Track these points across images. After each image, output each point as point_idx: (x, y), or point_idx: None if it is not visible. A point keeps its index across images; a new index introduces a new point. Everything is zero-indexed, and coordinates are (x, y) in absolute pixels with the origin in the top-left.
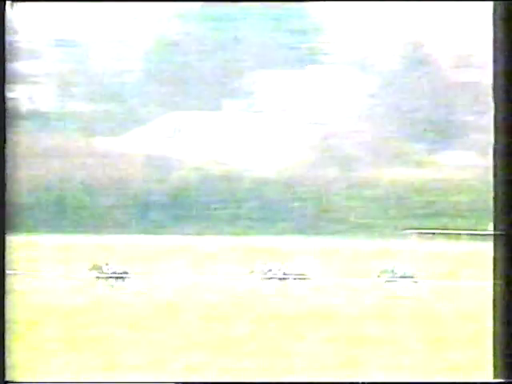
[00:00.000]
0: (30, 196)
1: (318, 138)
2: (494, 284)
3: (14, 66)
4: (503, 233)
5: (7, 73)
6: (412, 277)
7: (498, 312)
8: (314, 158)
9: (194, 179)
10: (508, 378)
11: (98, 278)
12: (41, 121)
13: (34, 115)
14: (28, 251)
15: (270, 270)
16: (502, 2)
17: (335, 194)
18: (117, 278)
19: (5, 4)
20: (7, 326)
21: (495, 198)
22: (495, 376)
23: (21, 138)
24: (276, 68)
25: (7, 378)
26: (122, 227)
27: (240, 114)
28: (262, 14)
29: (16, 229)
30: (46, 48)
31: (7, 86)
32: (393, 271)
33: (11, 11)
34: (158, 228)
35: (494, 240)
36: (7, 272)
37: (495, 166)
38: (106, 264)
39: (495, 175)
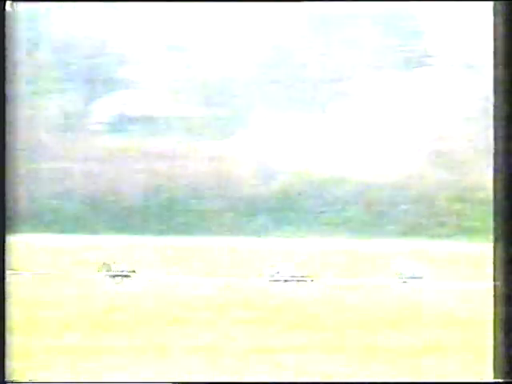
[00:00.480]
0: (139, 199)
1: (426, 141)
2: (494, 284)
3: (123, 72)
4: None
5: (7, 73)
6: None
7: (498, 312)
8: (423, 161)
9: (299, 182)
10: (508, 378)
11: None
12: (150, 125)
13: (143, 119)
14: (144, 253)
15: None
16: (501, 2)
17: (443, 197)
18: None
19: (5, 4)
20: (7, 325)
21: (495, 198)
22: (495, 376)
23: (130, 142)
24: (384, 70)
25: (7, 378)
26: (228, 230)
27: (346, 116)
28: (371, 15)
29: (128, 231)
30: (157, 53)
31: (7, 86)
32: None
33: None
34: (264, 231)
35: (495, 240)
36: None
37: (495, 166)
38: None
39: (495, 174)
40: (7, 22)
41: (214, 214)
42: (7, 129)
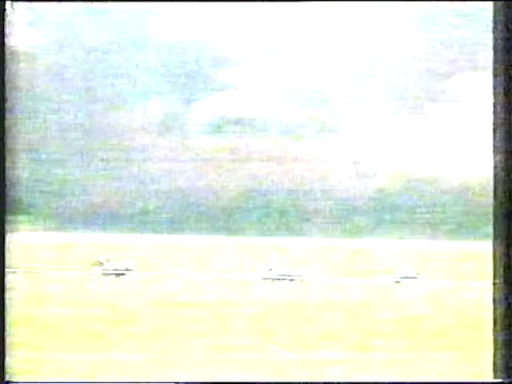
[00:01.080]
0: (235, 200)
1: None
2: (494, 284)
3: (223, 73)
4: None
5: (7, 73)
6: None
7: (498, 311)
8: None
9: (398, 183)
10: (508, 377)
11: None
12: (249, 127)
13: (243, 121)
14: (249, 254)
15: None
16: (501, 2)
17: None
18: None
19: (4, 4)
20: (7, 325)
21: (495, 198)
22: (495, 376)
23: (230, 144)
24: (484, 70)
25: (7, 378)
26: (324, 231)
27: (444, 117)
28: (470, 13)
29: (226, 231)
30: (256, 54)
31: (7, 86)
32: None
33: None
34: (360, 232)
35: (494, 239)
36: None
37: (495, 166)
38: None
39: (495, 174)
40: (7, 22)
41: (312, 215)
42: (7, 127)
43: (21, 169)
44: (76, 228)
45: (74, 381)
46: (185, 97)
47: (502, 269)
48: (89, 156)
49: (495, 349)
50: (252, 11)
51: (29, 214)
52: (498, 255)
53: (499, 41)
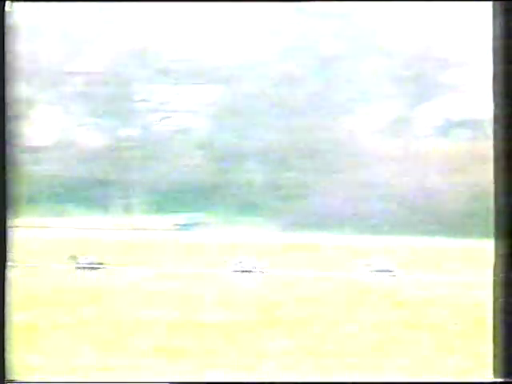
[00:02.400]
0: (461, 202)
1: None
2: (494, 283)
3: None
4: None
5: (7, 72)
6: None
7: (498, 311)
8: None
9: None
10: (508, 377)
11: None
12: (476, 129)
13: (469, 123)
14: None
15: None
16: (502, 2)
17: None
18: None
19: (4, 4)
20: (7, 325)
21: (496, 197)
22: (495, 376)
23: (458, 146)
24: None
25: (7, 378)
26: None
27: None
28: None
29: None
30: (479, 56)
31: (7, 86)
32: None
33: None
34: None
35: (495, 238)
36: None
37: (496, 166)
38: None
39: (496, 174)
40: (7, 22)
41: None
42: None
43: (253, 172)
44: (315, 229)
45: (74, 381)
46: (412, 100)
47: (502, 267)
48: (317, 158)
49: (495, 349)
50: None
51: (262, 215)
52: (498, 253)
53: (499, 40)
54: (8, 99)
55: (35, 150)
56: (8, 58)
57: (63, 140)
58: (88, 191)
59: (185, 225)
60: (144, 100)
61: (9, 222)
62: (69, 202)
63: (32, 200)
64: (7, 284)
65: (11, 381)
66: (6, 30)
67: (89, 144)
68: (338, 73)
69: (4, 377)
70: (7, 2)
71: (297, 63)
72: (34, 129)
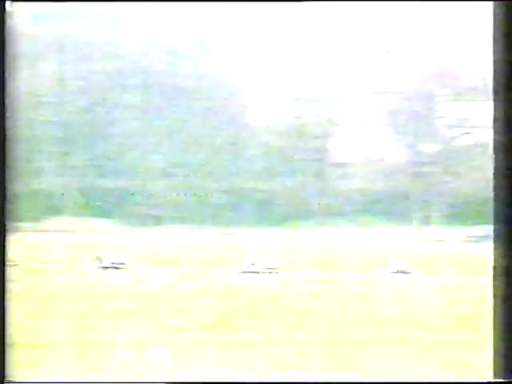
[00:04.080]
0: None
1: None
2: (494, 282)
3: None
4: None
5: (7, 72)
6: None
7: (499, 311)
8: None
9: None
10: (508, 377)
11: None
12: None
13: None
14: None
15: None
16: (502, 2)
17: None
18: None
19: (4, 4)
20: (7, 325)
21: (496, 196)
22: (495, 376)
23: None
24: None
25: (7, 378)
26: None
27: None
28: None
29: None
30: None
31: (7, 86)
32: None
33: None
34: None
35: (495, 238)
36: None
37: (496, 164)
38: None
39: (495, 173)
40: (7, 22)
41: None
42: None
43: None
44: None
45: (74, 381)
46: None
47: (502, 269)
48: None
49: (495, 349)
50: None
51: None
52: (498, 255)
53: (499, 40)
54: (6, 96)
55: (342, 165)
56: (8, 58)
57: (369, 156)
58: (390, 204)
59: (480, 237)
60: (444, 116)
61: (8, 225)
62: (371, 215)
63: (339, 213)
64: (7, 284)
65: (11, 381)
66: (6, 30)
67: (392, 159)
68: None
69: (4, 377)
70: (7, 2)
71: None
72: (341, 146)
